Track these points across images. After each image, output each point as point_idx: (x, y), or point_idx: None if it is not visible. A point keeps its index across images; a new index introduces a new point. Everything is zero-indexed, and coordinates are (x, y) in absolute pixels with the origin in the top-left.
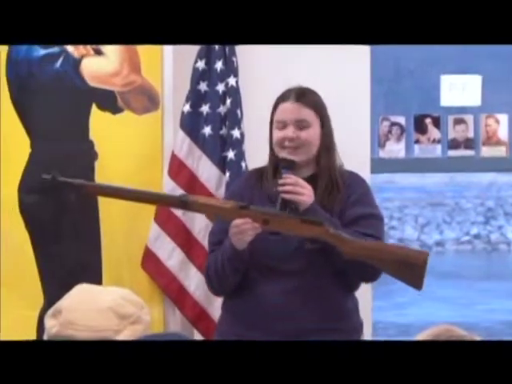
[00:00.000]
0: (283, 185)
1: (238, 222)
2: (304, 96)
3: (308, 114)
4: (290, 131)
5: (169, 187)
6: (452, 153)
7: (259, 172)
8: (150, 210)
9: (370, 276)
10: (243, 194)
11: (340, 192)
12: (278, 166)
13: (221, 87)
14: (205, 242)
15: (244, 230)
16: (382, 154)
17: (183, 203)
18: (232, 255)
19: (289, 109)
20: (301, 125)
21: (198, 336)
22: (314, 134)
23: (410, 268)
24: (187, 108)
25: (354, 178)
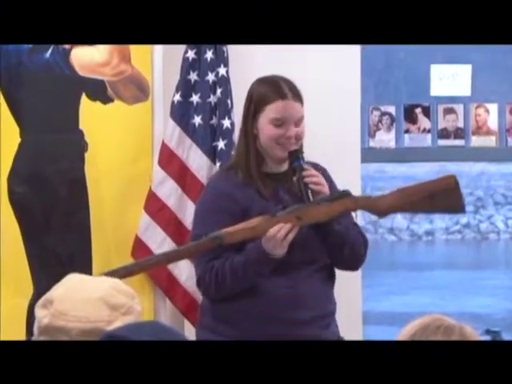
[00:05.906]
0: (308, 176)
1: (272, 232)
2: (297, 92)
3: (302, 110)
4: (291, 130)
5: (159, 177)
6: (442, 142)
7: (232, 169)
8: (140, 199)
9: (361, 260)
10: (235, 196)
11: None
12: (258, 158)
13: (211, 77)
14: None
15: (281, 237)
16: (373, 143)
17: (219, 243)
18: (261, 263)
19: (289, 108)
20: (298, 122)
21: (188, 326)
22: (304, 127)
23: (445, 195)
24: (177, 98)
25: (320, 167)
